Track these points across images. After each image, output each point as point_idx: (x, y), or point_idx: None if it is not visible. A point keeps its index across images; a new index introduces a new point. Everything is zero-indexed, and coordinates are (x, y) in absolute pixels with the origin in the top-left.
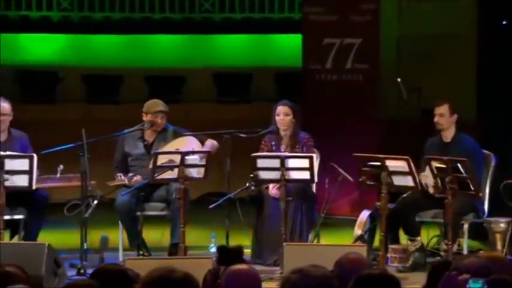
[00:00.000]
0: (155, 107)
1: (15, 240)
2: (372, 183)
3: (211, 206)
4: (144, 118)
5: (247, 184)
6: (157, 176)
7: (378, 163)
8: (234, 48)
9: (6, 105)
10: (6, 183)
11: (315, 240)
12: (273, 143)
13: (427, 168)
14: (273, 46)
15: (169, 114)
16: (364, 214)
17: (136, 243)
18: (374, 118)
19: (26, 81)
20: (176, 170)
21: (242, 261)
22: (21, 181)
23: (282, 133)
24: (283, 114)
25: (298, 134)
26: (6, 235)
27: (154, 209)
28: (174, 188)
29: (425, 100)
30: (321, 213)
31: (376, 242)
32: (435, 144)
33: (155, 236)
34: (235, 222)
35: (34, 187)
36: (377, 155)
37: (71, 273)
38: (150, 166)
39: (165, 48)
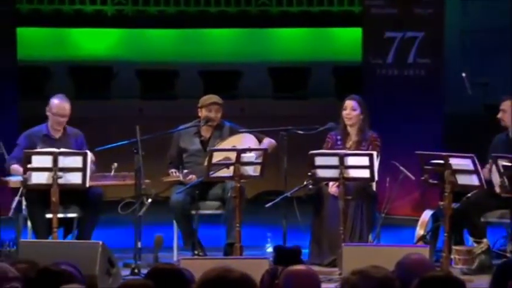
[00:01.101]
0: (208, 100)
1: (69, 239)
2: (434, 182)
3: (267, 205)
4: (200, 114)
5: (305, 182)
6: (213, 173)
7: (441, 161)
8: (291, 42)
9: (67, 106)
10: (60, 181)
11: (375, 241)
12: (339, 137)
13: (494, 166)
14: (332, 40)
15: (225, 110)
16: (427, 214)
17: (191, 242)
18: (437, 114)
19: (79, 77)
20: (232, 167)
21: (299, 262)
22: (75, 179)
23: (349, 129)
24: (350, 109)
25: (366, 132)
26: (60, 234)
27: (209, 207)
28: (229, 187)
29: (491, 95)
30: (381, 213)
31: (439, 243)
32: (502, 142)
33: (211, 235)
34: (292, 221)
35: (88, 185)
36: (440, 153)
37: (125, 273)
38: (206, 163)
39: (221, 42)
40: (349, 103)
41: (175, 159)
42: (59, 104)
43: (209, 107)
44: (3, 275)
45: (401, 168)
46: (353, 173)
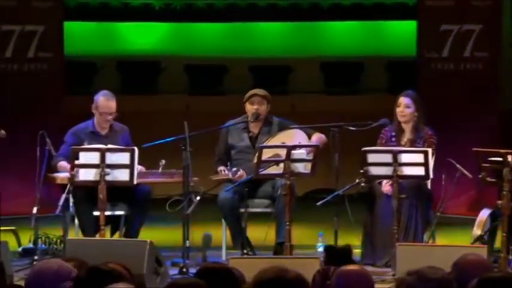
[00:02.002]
0: (249, 93)
1: (116, 237)
2: (492, 180)
3: (319, 203)
4: (246, 109)
5: (357, 180)
6: (262, 171)
7: (500, 158)
8: (343, 36)
9: (113, 104)
10: (107, 178)
11: (430, 241)
12: (393, 134)
13: None
14: (385, 33)
15: (275, 106)
16: (484, 213)
17: (240, 241)
18: (495, 110)
19: (126, 71)
20: (282, 164)
21: (351, 262)
22: (123, 176)
23: (403, 125)
24: (403, 106)
25: (421, 128)
26: (107, 232)
27: (258, 205)
28: (279, 184)
29: None
30: (436, 212)
31: (497, 243)
32: None
33: (260, 234)
34: (344, 220)
35: (135, 182)
36: (499, 150)
37: (173, 272)
38: (255, 161)
39: (271, 36)
40: (403, 100)
41: (223, 156)
42: (105, 102)
43: (251, 99)
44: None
45: (458, 165)
46: (407, 171)
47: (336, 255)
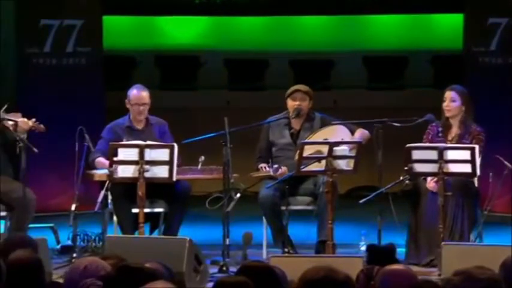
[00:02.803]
0: (292, 89)
1: (156, 234)
2: None
3: (361, 201)
4: (287, 105)
5: (401, 178)
6: (304, 168)
7: None
8: (387, 29)
9: (145, 94)
10: (147, 174)
11: (477, 240)
12: (440, 129)
13: None
14: (431, 27)
15: (317, 101)
16: None
17: (281, 239)
18: None
19: (165, 66)
20: (324, 161)
21: (394, 261)
22: (162, 172)
23: (451, 121)
24: (449, 100)
25: (469, 124)
26: (146, 229)
27: (300, 203)
28: (321, 181)
29: None
30: (483, 210)
31: None
32: None
33: (301, 232)
34: (387, 218)
35: (175, 179)
36: None
37: (213, 270)
38: (296, 157)
39: (313, 30)
40: (448, 94)
41: (264, 153)
42: (136, 93)
43: (293, 95)
44: (93, 271)
45: (506, 162)
46: (453, 168)
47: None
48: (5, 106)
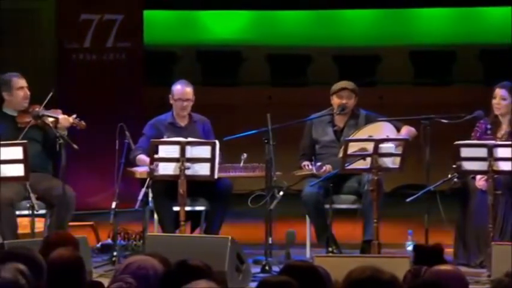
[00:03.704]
0: (338, 85)
1: (197, 233)
2: None
3: (408, 200)
4: (332, 102)
5: (449, 176)
6: (348, 165)
7: None
8: (434, 23)
9: (189, 90)
10: (188, 172)
11: None
12: (488, 126)
13: None
14: (479, 20)
15: (362, 97)
16: None
17: (325, 238)
18: None
19: (206, 62)
20: (369, 159)
21: (442, 261)
22: (203, 170)
23: (500, 118)
24: (499, 98)
25: None
26: (188, 227)
27: (344, 201)
28: (366, 179)
29: None
30: None
31: None
32: None
33: (345, 231)
34: (435, 217)
35: (216, 176)
36: None
37: (255, 270)
38: (340, 155)
39: (357, 24)
40: (499, 92)
41: (308, 151)
42: (180, 88)
43: (339, 93)
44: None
45: None
46: (503, 166)
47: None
48: (50, 95)
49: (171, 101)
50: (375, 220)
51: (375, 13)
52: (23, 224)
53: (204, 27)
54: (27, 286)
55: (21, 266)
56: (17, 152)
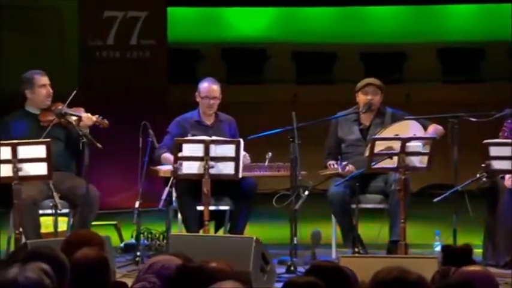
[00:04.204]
0: (363, 81)
1: (221, 233)
2: None
3: (436, 199)
4: (357, 99)
5: (478, 175)
6: (375, 164)
7: None
8: (462, 19)
9: (216, 88)
10: (212, 171)
11: None
12: None
13: None
14: (508, 17)
15: (388, 95)
16: None
17: (351, 239)
18: None
19: (231, 59)
20: (396, 158)
21: (471, 262)
22: (228, 169)
23: None
24: None
25: None
26: (212, 227)
27: (371, 201)
28: (393, 179)
29: None
30: None
31: None
32: None
33: (372, 231)
34: (463, 217)
35: (241, 175)
36: None
37: (280, 270)
38: (367, 154)
39: (384, 21)
40: None
41: (334, 150)
42: (207, 86)
43: (364, 89)
44: (158, 270)
45: None
46: None
47: (455, 255)
48: (74, 93)
49: (198, 99)
50: (402, 220)
51: (402, 9)
52: (46, 224)
53: (228, 25)
54: (51, 286)
55: (45, 266)
56: (40, 151)
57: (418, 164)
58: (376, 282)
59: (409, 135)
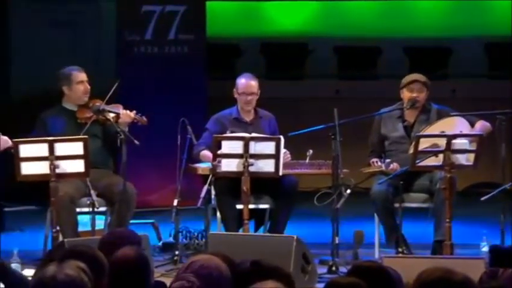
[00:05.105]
0: (409, 78)
1: (261, 232)
2: None
3: (483, 198)
4: (402, 96)
5: None
6: (419, 162)
7: None
8: (510, 13)
9: (253, 83)
10: (251, 169)
11: None
12: None
13: None
14: None
15: (433, 91)
16: None
17: (395, 238)
18: None
19: (271, 54)
20: (441, 155)
21: None
22: (267, 166)
23: None
24: None
25: None
26: (251, 226)
27: (415, 200)
28: (438, 177)
29: None
30: None
31: None
32: None
33: (416, 231)
34: (511, 217)
35: (281, 173)
36: None
37: (322, 270)
38: (411, 151)
39: (429, 14)
40: None
41: (377, 147)
42: (245, 82)
43: (410, 86)
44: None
45: None
46: None
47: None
48: (113, 89)
49: (235, 95)
50: (448, 220)
51: (447, 3)
52: (83, 222)
53: (268, 19)
54: (89, 285)
55: (82, 265)
56: (77, 148)
57: (464, 162)
58: (420, 282)
59: (455, 132)
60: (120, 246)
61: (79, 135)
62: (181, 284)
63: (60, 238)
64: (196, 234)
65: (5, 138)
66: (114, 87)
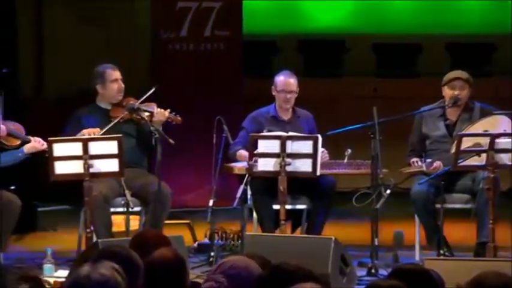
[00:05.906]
0: (451, 75)
1: (298, 233)
2: None
3: None
4: (443, 93)
5: None
6: (462, 162)
7: None
8: None
9: (293, 81)
10: (288, 168)
11: None
12: None
13: None
14: None
15: (476, 89)
16: None
17: (436, 240)
18: None
19: (308, 52)
20: (484, 155)
21: None
22: (305, 166)
23: None
24: None
25: None
26: (288, 227)
27: (457, 200)
28: (481, 177)
29: None
30: None
31: None
32: None
33: (458, 232)
34: None
35: (318, 173)
36: None
37: (361, 273)
38: (453, 150)
39: (471, 12)
40: None
41: (417, 146)
42: (284, 79)
43: (452, 83)
44: (225, 269)
45: None
46: None
47: None
48: (152, 90)
49: (274, 93)
50: (491, 221)
51: (486, 2)
52: (117, 222)
53: (305, 16)
54: (123, 285)
55: (116, 266)
56: (111, 147)
57: (508, 162)
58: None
59: (499, 131)
60: (150, 248)
61: (113, 133)
62: (210, 285)
63: (94, 239)
64: (232, 235)
65: (38, 139)
66: (151, 91)
